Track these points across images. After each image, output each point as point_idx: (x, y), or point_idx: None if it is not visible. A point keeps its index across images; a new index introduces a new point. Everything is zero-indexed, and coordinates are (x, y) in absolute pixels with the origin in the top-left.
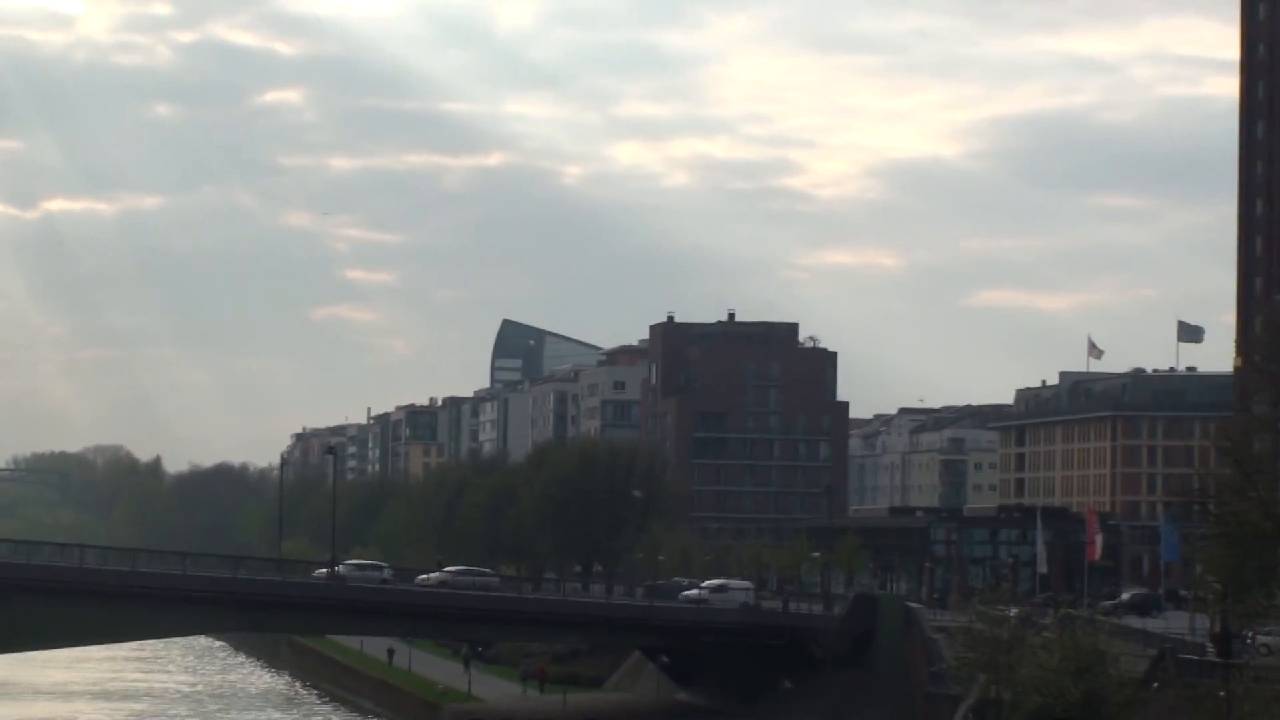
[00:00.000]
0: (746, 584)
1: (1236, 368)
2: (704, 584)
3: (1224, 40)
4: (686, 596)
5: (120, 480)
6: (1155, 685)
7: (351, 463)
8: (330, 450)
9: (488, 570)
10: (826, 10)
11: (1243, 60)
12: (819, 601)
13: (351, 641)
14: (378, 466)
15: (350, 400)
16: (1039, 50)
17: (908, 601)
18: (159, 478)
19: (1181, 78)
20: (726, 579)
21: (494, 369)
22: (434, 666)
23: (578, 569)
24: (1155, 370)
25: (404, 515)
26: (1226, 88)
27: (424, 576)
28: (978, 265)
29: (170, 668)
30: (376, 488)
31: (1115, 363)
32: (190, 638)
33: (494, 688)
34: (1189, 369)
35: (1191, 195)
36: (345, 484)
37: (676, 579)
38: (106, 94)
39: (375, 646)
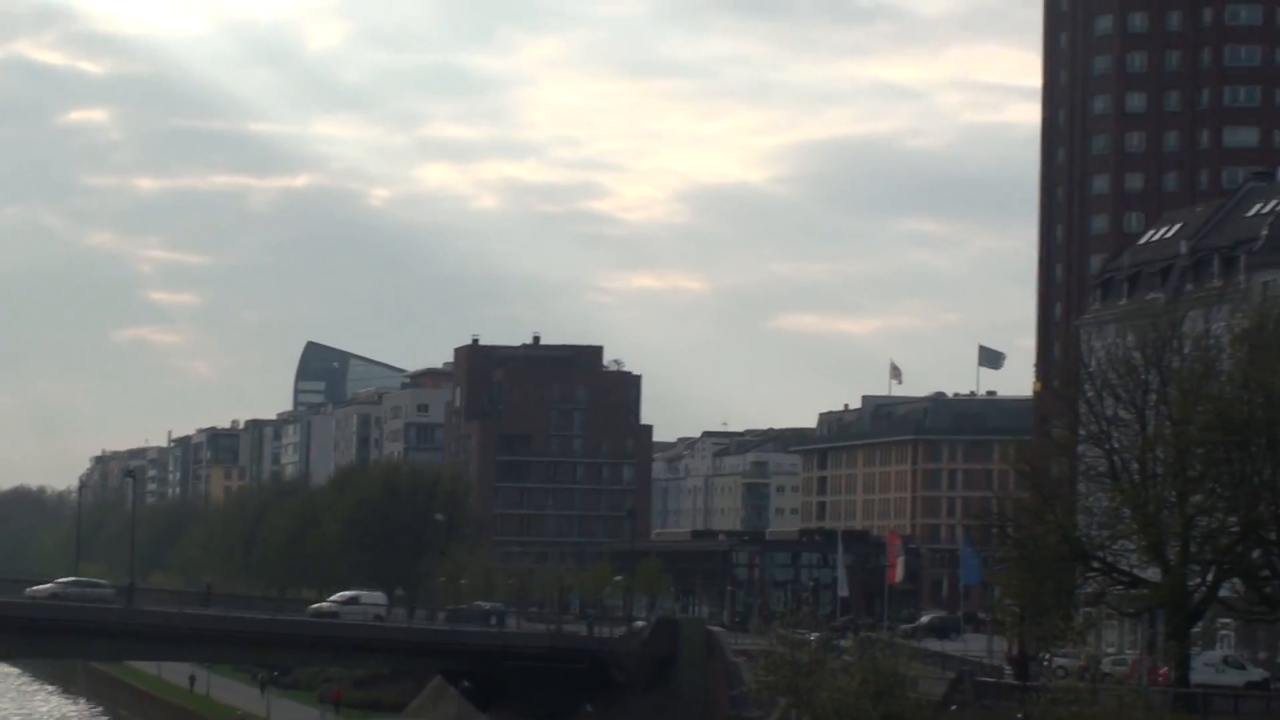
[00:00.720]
0: (380, 597)
1: (1036, 392)
2: (333, 597)
3: (1027, 68)
4: (316, 609)
5: None
6: (953, 708)
7: (152, 485)
8: (130, 473)
9: (102, 581)
10: (636, 35)
11: (1045, 88)
12: (621, 625)
13: (150, 667)
14: (178, 489)
15: (152, 423)
16: (846, 76)
17: (709, 625)
18: None
19: (985, 105)
20: (357, 593)
21: (297, 391)
22: (234, 692)
23: (382, 593)
24: (956, 394)
25: (204, 538)
26: (1029, 115)
27: (33, 589)
28: (783, 289)
29: None
30: (176, 511)
31: (917, 387)
32: None
33: (292, 712)
34: (989, 393)
35: (994, 221)
36: (145, 507)
37: (479, 603)
38: None
39: (178, 673)
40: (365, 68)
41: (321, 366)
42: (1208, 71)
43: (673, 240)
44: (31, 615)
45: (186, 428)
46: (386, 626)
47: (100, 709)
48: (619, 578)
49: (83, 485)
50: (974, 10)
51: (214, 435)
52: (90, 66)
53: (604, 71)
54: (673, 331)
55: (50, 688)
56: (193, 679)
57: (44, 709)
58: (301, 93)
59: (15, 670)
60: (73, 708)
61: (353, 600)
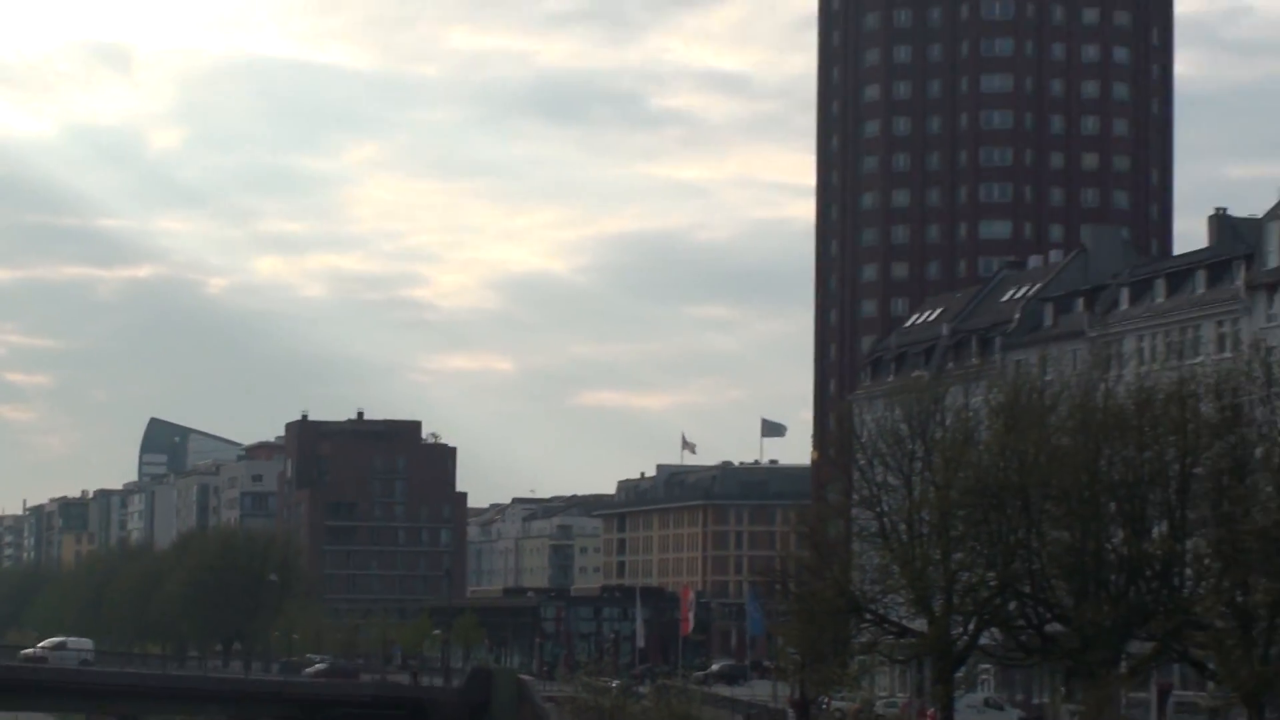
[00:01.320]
0: (88, 643)
1: (813, 461)
2: (41, 644)
3: (803, 168)
4: (26, 655)
5: None
6: None
7: (9, 551)
8: None
9: None
10: (449, 138)
11: (818, 186)
12: (440, 674)
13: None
14: (33, 554)
15: (7, 493)
16: (640, 176)
17: (520, 674)
18: None
19: (766, 201)
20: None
21: (142, 463)
22: None
23: (219, 647)
24: (742, 463)
25: (57, 599)
26: (805, 210)
27: None
28: (585, 368)
29: None
30: (31, 574)
31: (707, 456)
32: None
33: None
34: (772, 462)
35: (775, 306)
36: (5, 572)
37: (310, 655)
38: None
39: None
40: (202, 168)
41: (164, 440)
42: (965, 171)
43: (484, 324)
44: None
45: (40, 497)
46: (227, 678)
47: None
48: (437, 631)
49: None
50: (755, 116)
51: (65, 504)
52: None
53: (421, 171)
54: (485, 407)
55: None
56: None
57: None
58: (144, 191)
59: None
60: None
61: (60, 645)
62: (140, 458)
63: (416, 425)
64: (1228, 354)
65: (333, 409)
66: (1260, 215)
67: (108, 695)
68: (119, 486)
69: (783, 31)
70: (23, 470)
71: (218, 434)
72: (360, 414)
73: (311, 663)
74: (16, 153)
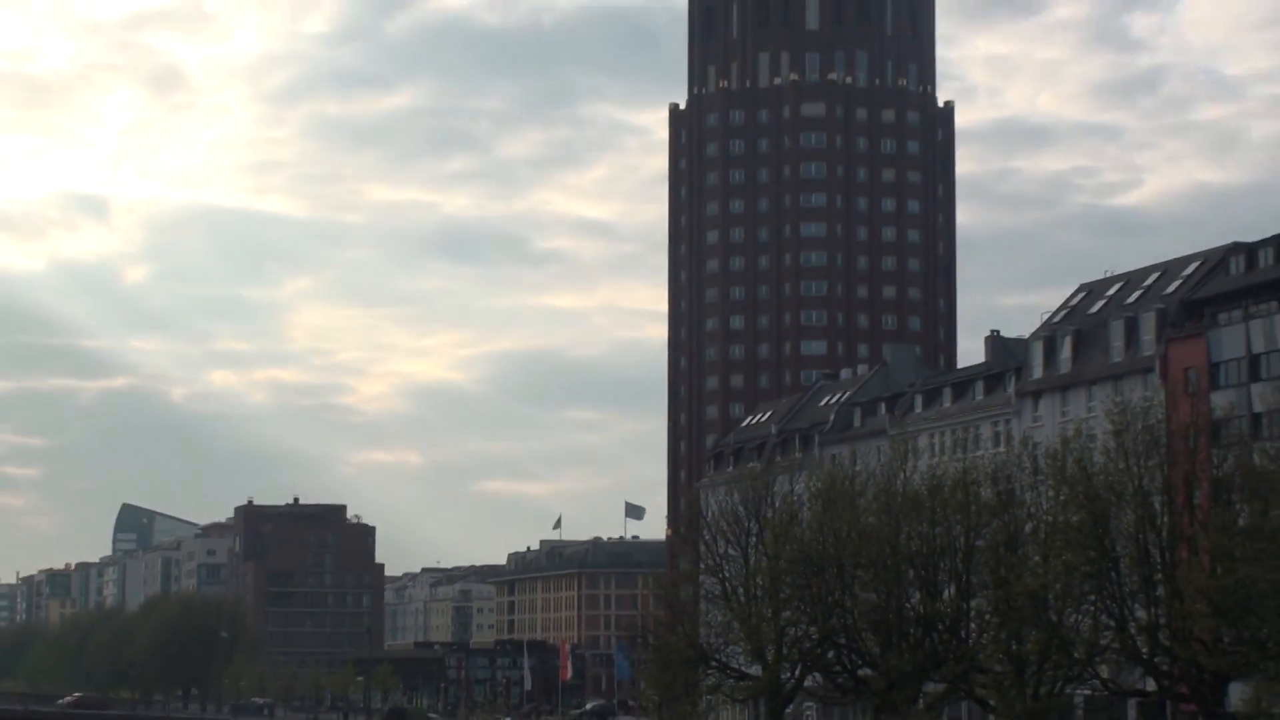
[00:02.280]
0: None
1: (667, 536)
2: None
3: (657, 298)
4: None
5: None
6: None
7: (3, 614)
8: None
9: None
10: (370, 273)
11: (670, 313)
12: (363, 713)
13: None
14: (25, 616)
15: (2, 566)
16: (526, 304)
17: (429, 713)
18: None
19: (628, 325)
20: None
21: (115, 540)
22: None
23: (180, 692)
24: (609, 538)
25: (44, 654)
26: (659, 332)
27: None
28: (480, 461)
29: None
30: (22, 633)
31: (580, 533)
32: None
33: None
34: (634, 537)
35: (635, 410)
36: None
37: (255, 699)
38: None
39: None
40: (166, 297)
41: (134, 522)
42: (788, 300)
43: (398, 425)
44: None
45: (30, 569)
46: (186, 718)
47: None
48: (360, 678)
49: None
50: (618, 256)
51: (52, 575)
52: None
53: (347, 301)
54: (399, 493)
55: None
56: None
57: None
58: (118, 316)
59: None
60: None
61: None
62: (114, 536)
63: (342, 508)
64: (1002, 449)
65: (273, 495)
66: (1026, 336)
67: None
68: (96, 560)
69: (640, 187)
70: (15, 547)
71: (179, 516)
72: (296, 499)
73: (255, 705)
74: (12, 285)
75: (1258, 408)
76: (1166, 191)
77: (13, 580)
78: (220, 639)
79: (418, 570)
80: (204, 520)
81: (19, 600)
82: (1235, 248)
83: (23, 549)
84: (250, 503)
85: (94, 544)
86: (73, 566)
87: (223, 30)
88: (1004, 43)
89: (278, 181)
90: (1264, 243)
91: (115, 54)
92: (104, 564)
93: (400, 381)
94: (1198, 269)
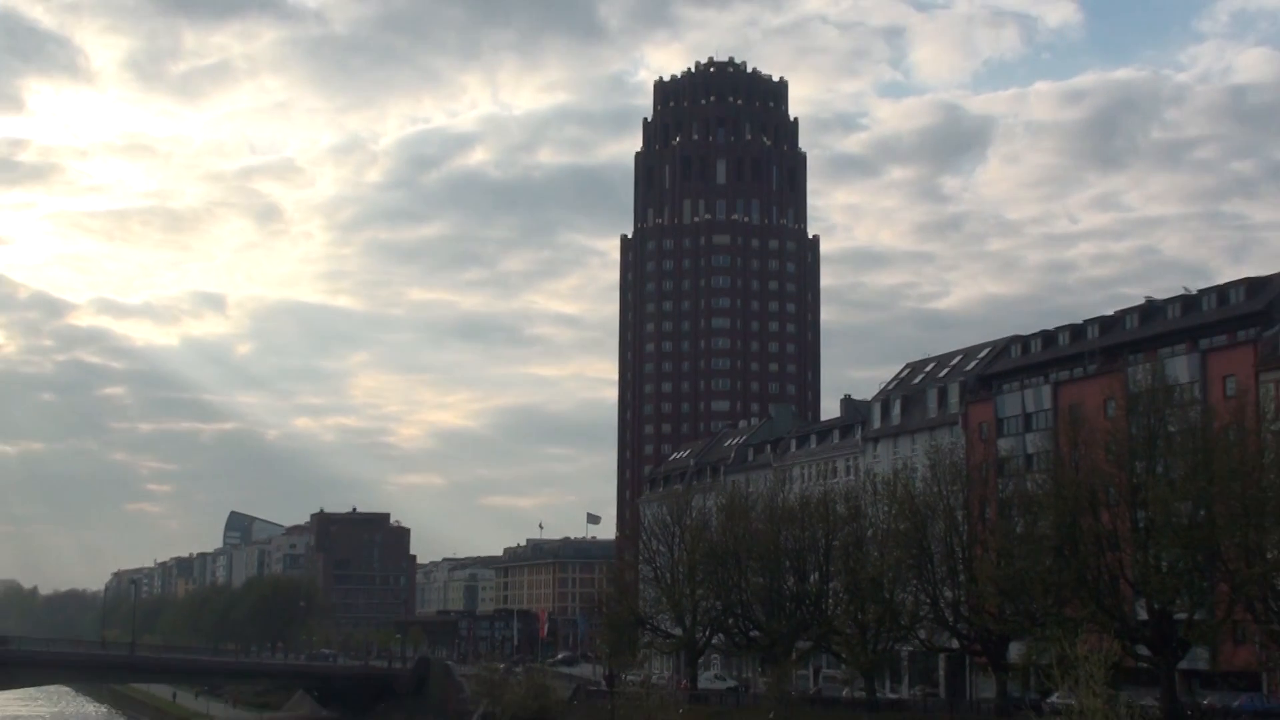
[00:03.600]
0: None
1: (616, 537)
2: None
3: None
4: (311, 655)
5: (9, 601)
6: (574, 702)
7: (147, 588)
8: (133, 581)
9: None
10: (408, 351)
11: (620, 379)
12: (400, 660)
13: (143, 686)
14: (159, 591)
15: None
16: (519, 373)
17: (446, 661)
18: (37, 599)
19: (590, 388)
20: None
21: (225, 537)
22: (188, 699)
23: (269, 645)
24: (576, 538)
25: (174, 617)
26: (611, 394)
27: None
28: (486, 482)
29: (38, 705)
30: (158, 603)
31: (555, 534)
32: (51, 686)
33: (218, 709)
34: (593, 538)
35: (595, 447)
36: (143, 600)
37: (323, 649)
38: None
39: (163, 691)
40: (265, 365)
41: (239, 524)
42: (703, 371)
43: (428, 458)
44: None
45: (164, 557)
46: (274, 664)
47: (118, 712)
48: (398, 635)
49: (107, 590)
50: (584, 340)
51: (181, 561)
52: (116, 364)
53: (393, 369)
54: (428, 504)
55: (90, 699)
56: (175, 694)
57: (89, 709)
58: (230, 379)
59: (68, 690)
60: (100, 709)
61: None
62: (225, 534)
63: (387, 515)
64: (851, 478)
65: (338, 505)
66: (870, 399)
67: (205, 673)
68: (211, 550)
69: (600, 292)
70: (154, 541)
71: (271, 520)
72: (354, 509)
73: (324, 654)
74: (156, 356)
75: (1030, 450)
76: (967, 299)
77: (152, 565)
78: (299, 607)
79: (440, 559)
80: (288, 523)
81: (156, 579)
82: (1014, 339)
83: (159, 543)
84: (321, 511)
85: (210, 539)
86: (194, 555)
87: (307, 179)
88: (855, 195)
89: (345, 285)
90: (1033, 336)
91: (232, 195)
92: (217, 554)
93: (429, 427)
94: (989, 353)
